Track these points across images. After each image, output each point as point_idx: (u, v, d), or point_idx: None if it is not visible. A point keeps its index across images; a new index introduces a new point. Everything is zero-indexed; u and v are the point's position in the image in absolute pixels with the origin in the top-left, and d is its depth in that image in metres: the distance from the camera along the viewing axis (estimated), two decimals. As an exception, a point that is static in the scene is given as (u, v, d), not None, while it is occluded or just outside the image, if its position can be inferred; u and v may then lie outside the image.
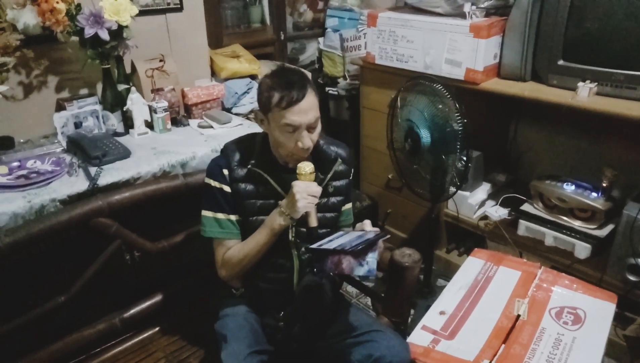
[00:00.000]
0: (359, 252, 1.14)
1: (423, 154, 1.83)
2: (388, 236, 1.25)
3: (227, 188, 1.32)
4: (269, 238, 1.29)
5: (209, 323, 1.39)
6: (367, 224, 1.28)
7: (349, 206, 1.47)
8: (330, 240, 1.22)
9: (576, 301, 1.45)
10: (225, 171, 1.32)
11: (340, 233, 1.29)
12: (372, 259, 1.15)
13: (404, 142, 1.88)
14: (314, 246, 1.20)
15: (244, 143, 1.36)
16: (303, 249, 1.33)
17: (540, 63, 1.89)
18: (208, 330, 1.38)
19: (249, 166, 1.31)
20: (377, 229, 1.25)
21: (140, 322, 1.57)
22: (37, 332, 1.39)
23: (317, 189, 1.24)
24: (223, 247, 1.35)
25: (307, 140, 1.24)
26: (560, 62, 1.82)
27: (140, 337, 1.56)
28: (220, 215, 1.33)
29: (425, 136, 1.79)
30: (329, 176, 1.35)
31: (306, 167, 1.25)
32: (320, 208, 1.33)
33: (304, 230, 1.29)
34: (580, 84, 1.74)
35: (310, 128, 1.24)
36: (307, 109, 1.22)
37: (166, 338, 1.56)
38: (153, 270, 1.60)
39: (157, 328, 1.58)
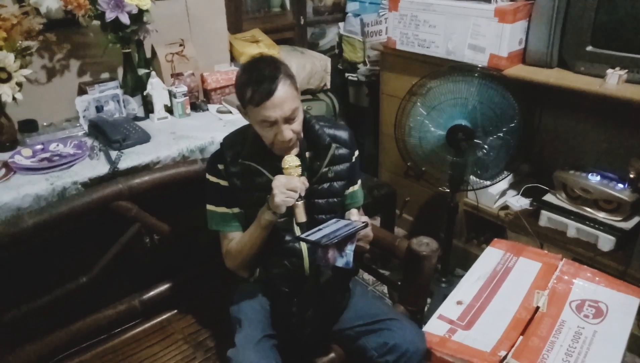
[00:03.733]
0: (341, 243, 1.16)
1: (444, 143, 1.80)
2: (368, 227, 1.25)
3: (223, 182, 1.33)
4: (260, 232, 1.28)
5: (226, 306, 1.41)
6: (353, 213, 1.28)
7: (354, 188, 1.43)
8: (319, 229, 1.22)
9: (598, 294, 1.42)
10: (221, 166, 1.32)
11: (332, 221, 1.29)
12: (349, 251, 1.18)
13: (425, 131, 1.85)
14: (302, 235, 1.21)
15: (238, 135, 1.35)
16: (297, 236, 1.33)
17: (567, 49, 1.83)
18: (225, 313, 1.40)
19: (239, 159, 1.30)
20: (365, 218, 1.26)
21: (159, 304, 1.59)
22: (58, 312, 1.43)
23: (298, 184, 1.20)
24: (226, 239, 1.37)
25: (287, 133, 1.21)
26: (589, 48, 1.76)
27: (159, 319, 1.59)
28: (221, 209, 1.35)
29: (447, 125, 1.76)
30: (326, 161, 1.32)
31: (291, 161, 1.22)
32: (322, 193, 1.33)
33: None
34: (609, 71, 1.69)
35: (288, 120, 1.21)
36: (281, 103, 1.18)
37: (184, 320, 1.58)
38: (172, 253, 1.62)
39: (175, 311, 1.61)
